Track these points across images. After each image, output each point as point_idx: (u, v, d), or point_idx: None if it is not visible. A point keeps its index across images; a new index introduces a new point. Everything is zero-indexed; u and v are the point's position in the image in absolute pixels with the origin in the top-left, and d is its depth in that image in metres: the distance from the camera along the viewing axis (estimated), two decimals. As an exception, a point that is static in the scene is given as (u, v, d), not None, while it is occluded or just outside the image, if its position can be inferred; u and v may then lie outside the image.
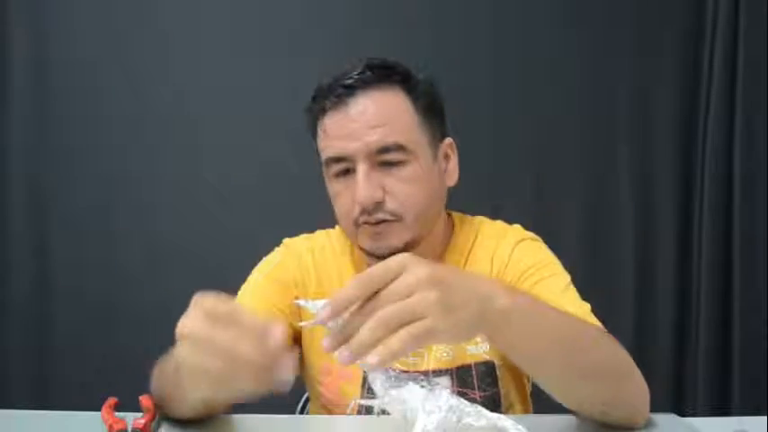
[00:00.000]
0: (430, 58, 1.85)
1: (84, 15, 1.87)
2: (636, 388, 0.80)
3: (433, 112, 0.99)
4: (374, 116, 0.94)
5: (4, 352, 1.87)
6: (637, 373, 0.80)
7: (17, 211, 1.88)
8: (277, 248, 1.11)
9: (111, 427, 0.80)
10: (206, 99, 1.87)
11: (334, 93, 0.95)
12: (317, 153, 1.01)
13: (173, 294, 1.91)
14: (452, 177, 1.03)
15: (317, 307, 0.65)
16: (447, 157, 1.03)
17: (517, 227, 1.08)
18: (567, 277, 1.00)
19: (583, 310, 0.94)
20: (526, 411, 1.08)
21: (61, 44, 1.86)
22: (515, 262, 1.01)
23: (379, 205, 0.93)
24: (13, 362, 1.87)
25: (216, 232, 1.87)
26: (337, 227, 1.12)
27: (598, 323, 0.91)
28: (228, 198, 1.88)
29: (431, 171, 0.98)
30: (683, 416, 0.89)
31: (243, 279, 1.08)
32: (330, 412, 1.04)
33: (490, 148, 1.86)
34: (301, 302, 0.70)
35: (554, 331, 0.73)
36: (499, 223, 1.09)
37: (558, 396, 0.76)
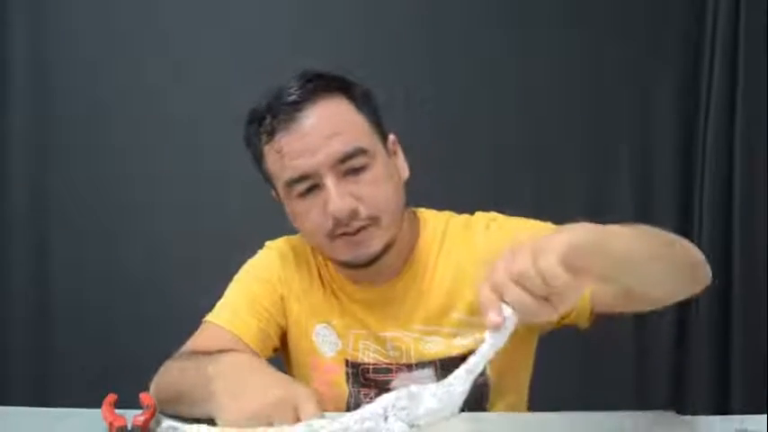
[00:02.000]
0: (429, 58, 1.88)
1: (84, 15, 1.87)
2: (699, 261, 0.88)
3: (374, 112, 1.00)
4: (328, 126, 0.93)
5: (4, 352, 1.87)
6: (695, 249, 0.88)
7: (17, 211, 1.88)
8: (260, 251, 1.12)
9: (111, 424, 0.80)
10: (206, 99, 1.87)
11: (280, 111, 0.94)
12: (267, 179, 1.01)
13: (172, 294, 1.94)
14: (404, 171, 1.03)
15: None
16: (395, 153, 1.03)
17: (478, 214, 1.07)
18: (545, 227, 1.00)
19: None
20: (520, 402, 1.08)
21: (61, 44, 1.86)
22: (495, 247, 0.95)
23: (354, 214, 0.93)
24: (13, 362, 1.87)
25: (216, 232, 1.86)
26: None
27: None
28: (228, 198, 1.88)
29: (390, 169, 0.99)
30: (684, 414, 0.89)
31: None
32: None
33: (490, 149, 1.86)
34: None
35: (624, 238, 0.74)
36: (463, 216, 1.09)
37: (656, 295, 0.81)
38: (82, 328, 1.88)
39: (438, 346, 1.01)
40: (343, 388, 1.03)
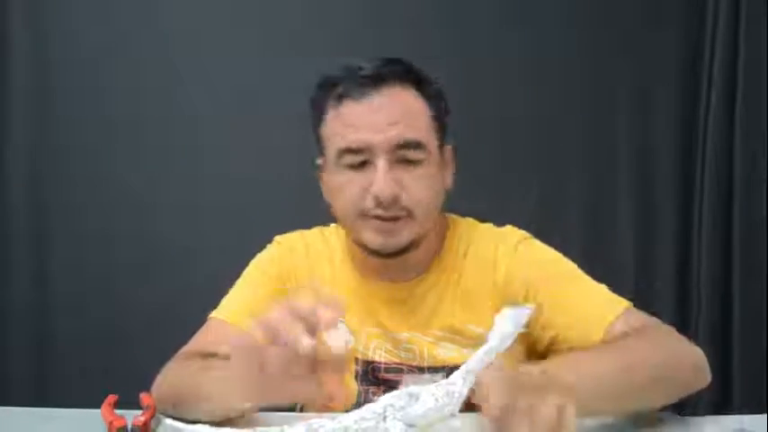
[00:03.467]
0: (429, 58, 1.88)
1: (84, 15, 1.87)
2: (694, 367, 0.85)
3: (441, 115, 1.00)
4: (397, 111, 0.94)
5: (4, 352, 1.87)
6: (689, 351, 0.85)
7: (17, 211, 1.88)
8: (269, 245, 1.12)
9: (111, 424, 0.80)
10: (206, 99, 1.87)
11: (356, 82, 0.94)
12: (319, 144, 1.00)
13: (173, 294, 1.94)
14: (448, 183, 1.04)
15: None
16: (447, 162, 1.03)
17: (510, 228, 1.08)
18: (573, 269, 1.01)
19: (607, 300, 0.97)
20: None
21: (62, 44, 1.86)
22: (521, 268, 1.01)
23: (395, 200, 0.93)
24: (13, 362, 1.87)
25: (216, 232, 1.87)
26: (332, 226, 1.12)
27: (622, 302, 0.95)
28: (228, 198, 1.88)
29: (439, 173, 1.00)
30: (683, 414, 0.89)
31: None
32: (329, 401, 1.05)
33: (490, 149, 1.86)
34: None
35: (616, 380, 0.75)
36: (489, 226, 1.09)
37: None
38: (82, 328, 1.88)
39: (451, 353, 1.01)
40: (352, 386, 1.03)
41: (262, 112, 1.86)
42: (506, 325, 0.67)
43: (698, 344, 1.59)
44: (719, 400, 1.82)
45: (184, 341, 1.03)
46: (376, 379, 1.03)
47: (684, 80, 1.88)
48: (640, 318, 0.94)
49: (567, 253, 1.06)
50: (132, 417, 0.81)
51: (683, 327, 1.89)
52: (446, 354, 1.01)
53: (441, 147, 1.00)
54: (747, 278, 1.84)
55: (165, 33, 1.88)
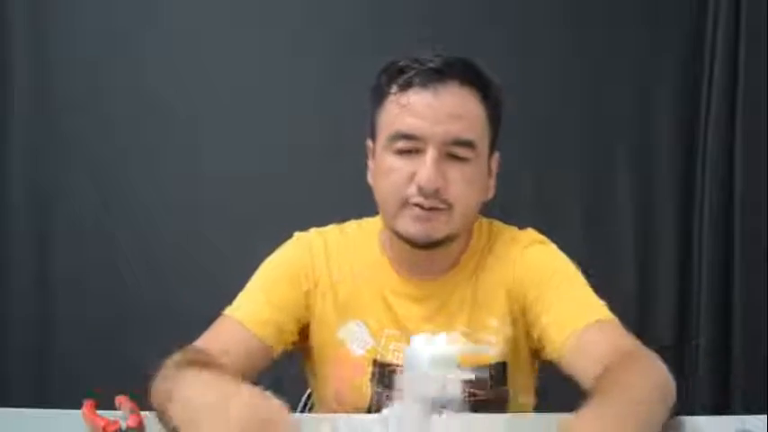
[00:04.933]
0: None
1: (84, 15, 1.87)
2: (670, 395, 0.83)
3: (496, 124, 1.02)
4: (458, 107, 0.95)
5: (5, 352, 1.87)
6: (669, 384, 0.84)
7: (17, 211, 1.88)
8: (288, 241, 1.10)
9: (104, 428, 0.80)
10: (206, 99, 1.87)
11: (423, 72, 0.96)
12: (374, 125, 1.02)
13: (172, 294, 1.94)
14: (491, 192, 1.05)
15: None
16: (492, 171, 1.04)
17: (530, 230, 1.09)
18: (578, 278, 1.02)
19: (593, 307, 0.97)
20: (529, 402, 1.09)
21: (62, 44, 1.86)
22: (525, 267, 1.03)
23: (437, 192, 0.94)
24: (13, 362, 1.87)
25: (216, 232, 1.87)
26: (352, 222, 1.12)
27: (608, 315, 0.95)
28: (228, 198, 1.88)
29: (484, 177, 1.01)
30: (684, 414, 0.89)
31: (242, 279, 1.07)
32: (340, 404, 1.04)
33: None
34: None
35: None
36: (513, 228, 1.10)
37: None
38: (82, 328, 1.88)
39: (468, 354, 1.01)
40: (366, 388, 1.02)
41: (262, 112, 1.86)
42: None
43: (698, 343, 1.59)
44: (719, 400, 1.82)
45: (184, 341, 1.02)
46: (391, 382, 1.02)
47: (684, 80, 1.88)
48: (616, 333, 0.94)
49: (567, 253, 1.06)
50: (125, 419, 0.81)
51: (684, 327, 1.90)
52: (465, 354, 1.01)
53: (489, 154, 1.02)
54: (748, 278, 1.84)
55: (165, 33, 1.88)
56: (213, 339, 0.99)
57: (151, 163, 1.88)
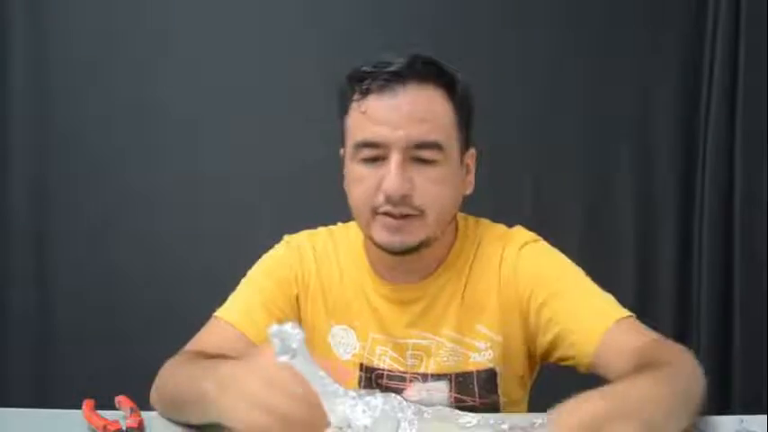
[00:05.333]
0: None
1: (84, 15, 1.87)
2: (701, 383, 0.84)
3: (466, 119, 1.00)
4: (419, 109, 0.93)
5: (4, 352, 1.87)
6: (696, 370, 0.85)
7: (17, 212, 1.88)
8: (277, 245, 1.10)
9: (105, 428, 0.80)
10: (206, 99, 1.87)
11: (383, 77, 0.93)
12: (342, 133, 1.01)
13: (173, 294, 1.94)
14: (469, 187, 1.04)
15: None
16: (468, 167, 1.03)
17: (518, 229, 1.07)
18: (578, 273, 1.01)
19: (610, 305, 0.96)
20: (523, 402, 1.09)
21: (61, 44, 1.86)
22: (524, 269, 1.01)
23: (405, 199, 0.92)
24: (13, 362, 1.87)
25: (216, 232, 1.87)
26: (340, 226, 1.12)
27: (624, 312, 0.94)
28: (228, 198, 1.88)
29: (456, 176, 0.99)
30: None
31: (242, 279, 1.08)
32: None
33: (490, 149, 1.85)
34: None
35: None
36: (501, 227, 1.09)
37: None
38: (82, 328, 1.88)
39: (456, 358, 1.01)
40: None
41: (262, 112, 1.86)
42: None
43: (698, 344, 1.59)
44: (719, 400, 1.82)
45: (184, 341, 1.02)
46: (379, 386, 1.02)
47: (684, 80, 1.88)
48: (640, 331, 0.93)
49: (567, 253, 1.06)
50: (125, 419, 0.81)
51: (684, 327, 1.89)
52: (451, 360, 1.01)
53: (462, 150, 1.00)
54: (748, 278, 1.84)
55: (165, 33, 1.88)
56: (205, 341, 0.99)
57: (151, 163, 1.88)
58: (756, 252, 1.84)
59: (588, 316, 0.94)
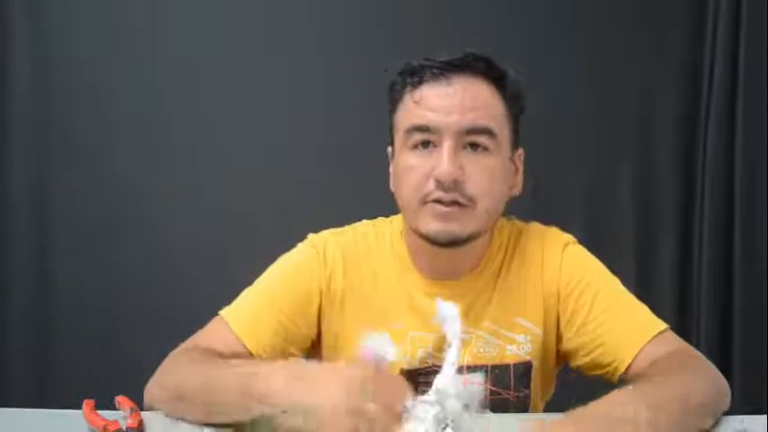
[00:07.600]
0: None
1: (84, 15, 1.86)
2: (725, 394, 0.85)
3: (516, 118, 1.00)
4: (473, 98, 0.94)
5: (4, 352, 1.87)
6: (718, 387, 0.85)
7: (17, 212, 1.88)
8: (300, 244, 1.06)
9: (105, 428, 0.80)
10: (206, 99, 1.87)
11: (434, 66, 0.94)
12: (391, 130, 1.00)
13: (173, 294, 1.94)
14: (517, 188, 1.04)
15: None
16: (516, 166, 1.03)
17: (554, 228, 1.08)
18: (617, 282, 1.02)
19: (649, 317, 0.98)
20: (537, 410, 1.08)
21: (62, 43, 1.86)
22: (568, 268, 1.02)
23: (457, 185, 0.92)
24: (13, 362, 1.87)
25: (216, 232, 1.87)
26: (366, 223, 1.09)
27: (662, 324, 0.96)
28: (229, 198, 1.88)
29: (506, 171, 0.99)
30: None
31: (242, 279, 1.06)
32: None
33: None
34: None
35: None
36: (536, 224, 1.09)
37: None
38: (82, 328, 1.88)
39: (493, 351, 1.00)
40: None
41: (262, 112, 1.86)
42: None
43: (699, 344, 1.59)
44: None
45: (184, 341, 1.02)
46: (415, 383, 0.97)
47: (684, 80, 1.88)
48: (674, 344, 0.95)
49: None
50: (125, 419, 0.81)
51: (684, 327, 1.89)
52: (488, 353, 1.00)
53: (512, 148, 1.00)
54: (748, 278, 1.84)
55: (165, 33, 1.88)
56: (207, 340, 0.97)
57: (151, 163, 1.88)
58: (756, 252, 1.84)
59: (627, 328, 0.96)
